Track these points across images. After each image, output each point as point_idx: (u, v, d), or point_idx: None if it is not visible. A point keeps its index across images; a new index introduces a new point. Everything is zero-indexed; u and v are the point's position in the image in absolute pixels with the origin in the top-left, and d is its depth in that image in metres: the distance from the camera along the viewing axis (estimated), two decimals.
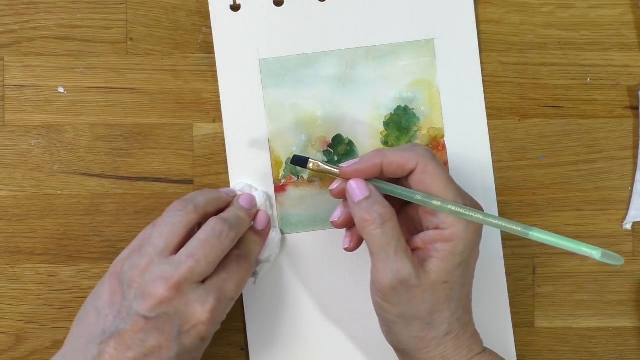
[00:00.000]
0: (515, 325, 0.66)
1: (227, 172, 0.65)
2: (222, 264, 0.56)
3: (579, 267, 0.66)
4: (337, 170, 0.57)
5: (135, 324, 0.53)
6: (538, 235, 0.55)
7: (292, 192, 0.65)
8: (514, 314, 0.66)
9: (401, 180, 0.57)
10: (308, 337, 0.65)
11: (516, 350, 0.66)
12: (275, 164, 0.65)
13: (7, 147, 0.64)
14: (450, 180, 0.56)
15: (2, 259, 0.64)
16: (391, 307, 0.56)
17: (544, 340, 0.66)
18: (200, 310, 0.54)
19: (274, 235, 0.63)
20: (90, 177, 0.65)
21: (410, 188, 0.56)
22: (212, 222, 0.56)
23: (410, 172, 0.56)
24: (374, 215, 0.55)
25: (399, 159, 0.55)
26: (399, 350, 0.59)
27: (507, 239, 0.65)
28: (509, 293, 0.65)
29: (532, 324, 0.66)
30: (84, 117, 0.65)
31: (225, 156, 0.65)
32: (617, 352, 0.66)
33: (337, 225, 0.59)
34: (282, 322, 0.65)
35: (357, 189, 0.56)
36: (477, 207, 0.57)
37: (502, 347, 0.65)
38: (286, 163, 0.65)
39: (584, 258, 0.65)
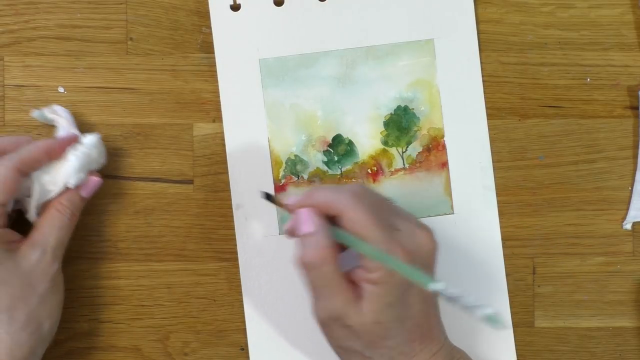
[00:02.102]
0: (515, 325, 0.66)
1: (227, 172, 0.65)
2: None
3: (579, 267, 0.66)
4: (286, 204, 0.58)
5: None
6: (435, 286, 0.53)
7: (292, 192, 0.65)
8: (514, 314, 0.66)
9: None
10: (308, 337, 0.65)
11: (516, 350, 0.66)
12: (275, 164, 0.65)
13: None
14: (375, 226, 0.54)
15: None
16: (330, 339, 0.57)
17: (544, 340, 0.66)
18: None
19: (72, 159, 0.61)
20: None
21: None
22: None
23: (340, 216, 0.55)
24: (312, 259, 0.54)
25: (323, 203, 0.55)
26: None
27: (507, 239, 0.65)
28: (509, 293, 0.65)
29: (532, 324, 0.66)
30: (84, 117, 0.65)
31: (225, 156, 0.65)
32: (617, 352, 0.66)
33: (289, 234, 0.58)
34: (282, 322, 0.65)
35: (303, 221, 0.55)
36: (422, 240, 0.56)
37: (502, 347, 0.65)
38: (286, 163, 0.65)
39: (584, 258, 0.66)
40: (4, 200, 0.57)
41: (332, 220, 0.56)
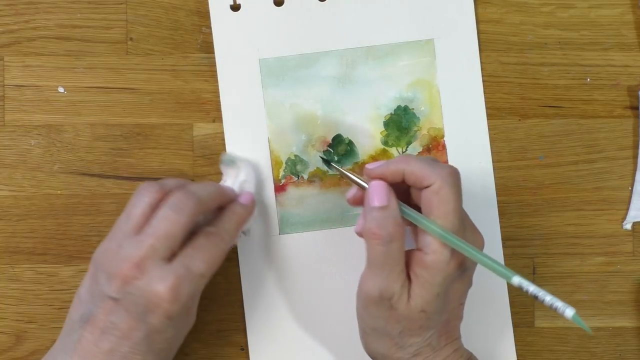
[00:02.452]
0: (515, 325, 0.66)
1: None
2: (191, 240, 0.55)
3: (579, 267, 0.66)
4: (359, 180, 0.57)
5: (105, 307, 0.53)
6: (520, 281, 0.53)
7: (292, 192, 0.65)
8: (514, 314, 0.66)
9: (413, 190, 0.57)
10: (308, 337, 0.65)
11: (516, 350, 0.66)
12: (275, 163, 0.65)
13: (7, 147, 0.64)
14: (457, 211, 0.54)
15: (2, 259, 0.64)
16: (369, 318, 0.56)
17: (544, 340, 0.66)
18: (161, 288, 0.53)
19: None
20: (90, 177, 0.65)
21: (418, 200, 0.56)
22: (171, 197, 0.55)
23: (426, 187, 0.55)
24: (382, 232, 0.54)
25: (419, 171, 0.54)
26: (370, 357, 0.59)
27: (507, 239, 0.65)
28: (509, 293, 0.65)
29: (532, 324, 0.66)
30: (84, 117, 0.65)
31: None
32: (617, 352, 0.66)
33: (352, 203, 0.59)
34: (282, 322, 0.65)
35: (376, 193, 0.55)
36: (479, 244, 0.56)
37: (502, 347, 0.65)
38: (286, 163, 0.65)
39: (584, 258, 0.66)
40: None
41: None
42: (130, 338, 0.53)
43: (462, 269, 0.55)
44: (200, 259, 0.55)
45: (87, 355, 0.54)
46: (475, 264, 0.56)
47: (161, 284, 0.53)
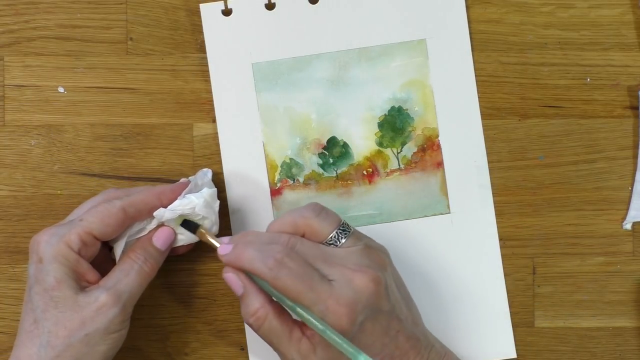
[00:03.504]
0: (515, 325, 0.66)
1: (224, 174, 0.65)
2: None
3: (579, 267, 0.66)
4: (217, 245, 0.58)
5: None
6: None
7: (288, 195, 0.65)
8: (514, 314, 0.66)
9: None
10: None
11: (516, 350, 0.65)
12: (271, 167, 0.65)
13: (7, 147, 0.64)
14: (301, 288, 0.54)
15: (2, 259, 0.64)
16: None
17: (544, 340, 0.66)
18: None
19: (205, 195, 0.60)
20: (90, 177, 0.65)
21: None
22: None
23: None
24: (249, 319, 0.56)
25: (249, 269, 0.56)
26: None
27: (507, 239, 0.65)
28: (509, 293, 0.65)
29: (532, 324, 0.66)
30: (84, 117, 0.65)
31: None
32: (617, 352, 0.66)
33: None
34: None
35: (232, 284, 0.57)
36: (358, 285, 0.55)
37: (502, 347, 0.65)
38: (281, 167, 0.65)
39: (584, 258, 0.66)
40: (98, 232, 0.56)
41: None
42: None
43: (358, 320, 0.54)
44: (87, 211, 0.57)
45: None
46: (379, 301, 0.55)
47: (41, 234, 0.56)
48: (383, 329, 0.55)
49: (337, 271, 0.55)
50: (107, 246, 0.59)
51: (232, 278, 0.56)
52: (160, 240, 0.59)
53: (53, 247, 0.55)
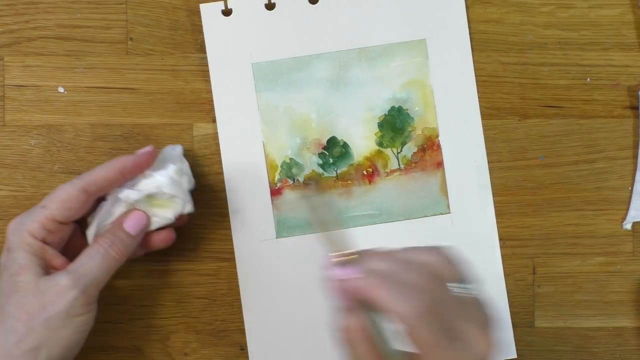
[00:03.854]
0: (515, 325, 0.66)
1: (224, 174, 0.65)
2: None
3: (579, 267, 0.66)
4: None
5: None
6: None
7: (288, 195, 0.65)
8: (514, 314, 0.66)
9: None
10: (306, 337, 0.65)
11: (516, 350, 0.65)
12: (271, 167, 0.65)
13: (7, 147, 0.64)
14: (430, 342, 0.47)
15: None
16: None
17: (544, 340, 0.66)
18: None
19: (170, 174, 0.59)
20: None
21: None
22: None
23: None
24: (351, 334, 0.49)
25: (375, 300, 0.48)
26: None
27: (507, 239, 0.65)
28: (509, 293, 0.65)
29: (532, 324, 0.66)
30: (84, 117, 0.65)
31: None
32: (617, 352, 0.66)
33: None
34: (281, 323, 0.65)
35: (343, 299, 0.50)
36: (476, 350, 0.48)
37: (502, 347, 0.65)
38: (281, 167, 0.65)
39: (584, 258, 0.66)
40: (61, 218, 0.56)
41: None
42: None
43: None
44: (47, 196, 0.57)
45: None
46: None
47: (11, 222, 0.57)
48: None
49: (465, 326, 0.48)
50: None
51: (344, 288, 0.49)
52: (130, 223, 0.58)
53: (18, 236, 0.56)
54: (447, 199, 0.65)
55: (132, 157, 0.58)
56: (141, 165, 0.58)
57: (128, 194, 0.57)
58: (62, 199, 0.56)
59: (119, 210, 0.58)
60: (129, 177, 0.58)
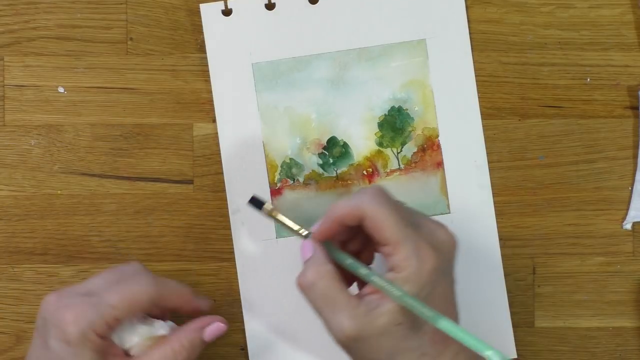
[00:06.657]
0: (515, 325, 0.66)
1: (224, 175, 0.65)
2: None
3: (579, 267, 0.66)
4: (304, 232, 0.57)
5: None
6: (446, 325, 0.52)
7: (288, 195, 0.65)
8: (514, 314, 0.66)
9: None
10: (306, 337, 0.65)
11: (516, 350, 0.65)
12: (271, 167, 0.65)
13: (7, 147, 0.64)
14: (398, 221, 0.53)
15: (2, 259, 0.64)
16: (352, 355, 0.55)
17: (544, 340, 0.66)
18: (63, 310, 0.54)
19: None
20: (90, 177, 0.65)
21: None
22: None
23: (363, 220, 0.54)
24: (308, 278, 0.54)
25: (344, 213, 0.54)
26: None
27: (507, 239, 0.65)
28: (509, 293, 0.65)
29: (532, 324, 0.66)
30: (84, 117, 0.65)
31: None
32: (617, 352, 0.66)
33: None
34: (281, 323, 0.65)
35: (304, 249, 0.56)
36: (442, 237, 0.55)
37: (502, 347, 0.65)
38: (281, 167, 0.65)
39: (584, 258, 0.66)
40: (122, 319, 0.55)
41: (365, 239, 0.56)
42: None
43: (438, 273, 0.53)
44: (116, 292, 0.55)
45: None
46: (452, 264, 0.56)
47: (64, 308, 0.54)
48: (445, 294, 0.55)
49: (422, 221, 0.55)
50: None
51: (305, 243, 0.56)
52: (210, 333, 0.58)
53: (82, 331, 0.53)
54: (447, 199, 0.65)
55: (194, 305, 0.60)
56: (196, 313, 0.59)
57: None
58: (131, 303, 0.55)
59: (161, 332, 0.58)
60: (181, 312, 0.59)
